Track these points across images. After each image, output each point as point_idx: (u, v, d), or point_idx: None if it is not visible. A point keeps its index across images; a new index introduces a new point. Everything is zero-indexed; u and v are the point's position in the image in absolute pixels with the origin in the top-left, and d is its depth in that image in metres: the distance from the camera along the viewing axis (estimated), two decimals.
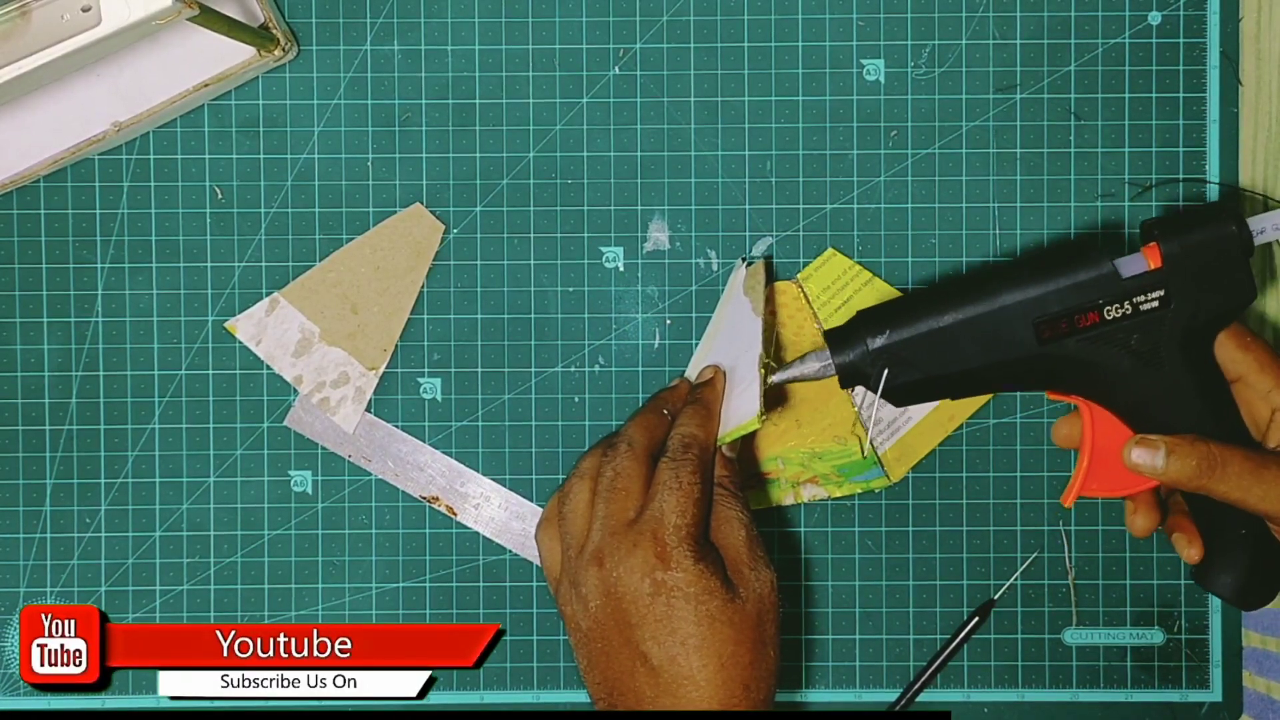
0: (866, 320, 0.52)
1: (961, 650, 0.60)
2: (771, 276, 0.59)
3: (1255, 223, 0.51)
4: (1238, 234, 0.50)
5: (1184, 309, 0.50)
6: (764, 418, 0.52)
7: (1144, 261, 0.50)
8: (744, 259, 0.59)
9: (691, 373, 0.58)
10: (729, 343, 0.57)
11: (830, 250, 0.59)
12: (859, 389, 0.55)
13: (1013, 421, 0.60)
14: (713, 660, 0.49)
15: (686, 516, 0.50)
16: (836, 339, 0.53)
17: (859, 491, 0.59)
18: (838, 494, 0.59)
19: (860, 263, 0.60)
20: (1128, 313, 0.50)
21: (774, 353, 0.59)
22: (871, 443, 0.58)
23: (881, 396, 0.52)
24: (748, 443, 0.59)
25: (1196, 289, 0.50)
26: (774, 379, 0.53)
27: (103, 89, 0.58)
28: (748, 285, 0.58)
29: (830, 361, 0.52)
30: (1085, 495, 0.53)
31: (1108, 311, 0.50)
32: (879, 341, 0.51)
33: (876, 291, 0.59)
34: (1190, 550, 0.53)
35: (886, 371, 0.51)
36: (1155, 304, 0.50)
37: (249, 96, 0.60)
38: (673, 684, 0.49)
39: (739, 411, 0.54)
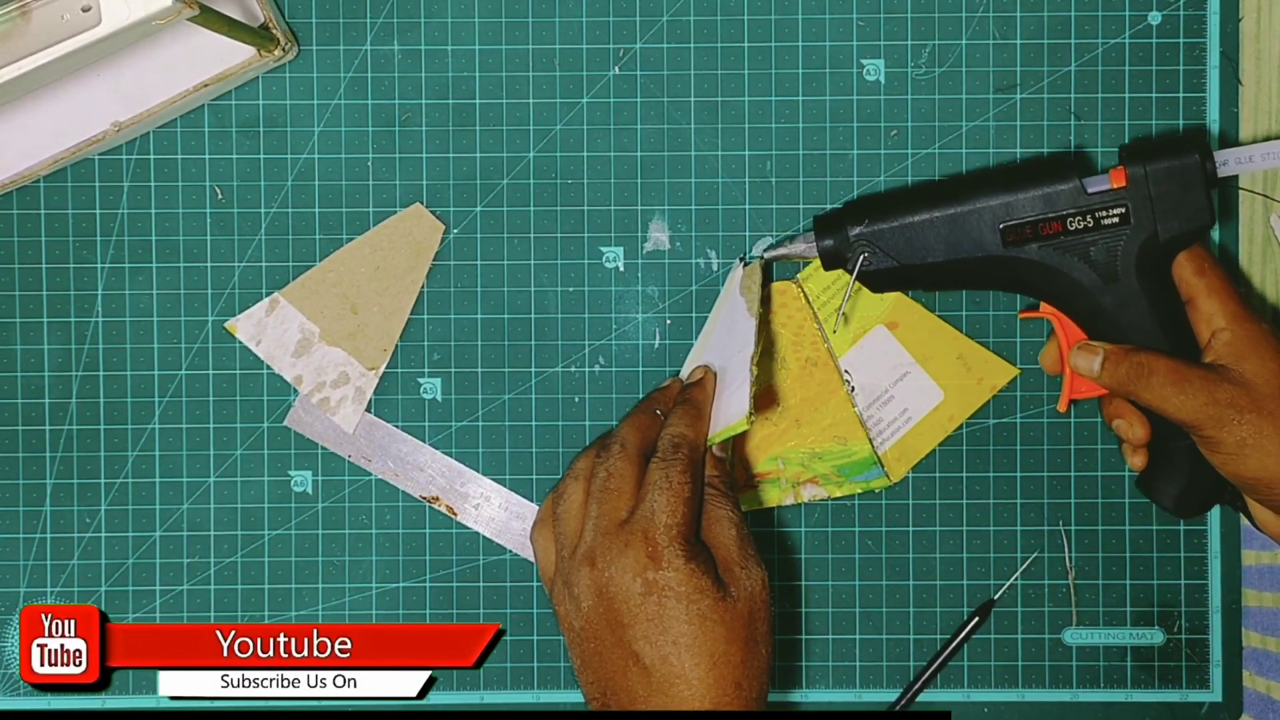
0: (851, 210, 0.56)
1: (961, 650, 0.60)
2: (769, 277, 0.59)
3: (1221, 155, 0.54)
4: (1200, 163, 0.53)
5: (1142, 227, 0.53)
6: (752, 418, 0.52)
7: (1109, 181, 0.53)
8: (742, 258, 0.59)
9: (686, 372, 0.58)
10: (723, 342, 0.57)
11: None
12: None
13: (1013, 421, 0.60)
14: (704, 659, 0.49)
15: (677, 516, 0.51)
16: (823, 225, 0.56)
17: (859, 491, 0.59)
18: (838, 494, 0.59)
19: None
20: (1089, 226, 0.54)
21: (766, 351, 0.59)
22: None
23: (858, 280, 0.56)
24: (745, 442, 0.59)
25: (1156, 210, 0.53)
26: (766, 254, 0.57)
27: (103, 89, 0.58)
28: (744, 285, 0.58)
29: (814, 244, 0.56)
30: (1075, 398, 0.56)
31: (1070, 222, 0.54)
32: (859, 230, 0.55)
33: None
34: (1134, 459, 0.57)
35: (863, 256, 0.55)
36: (1116, 220, 0.53)
37: (249, 96, 0.60)
38: (665, 683, 0.49)
39: (729, 411, 0.54)
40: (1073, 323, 0.56)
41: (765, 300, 0.58)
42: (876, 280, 0.56)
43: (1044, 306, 0.56)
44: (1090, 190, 0.53)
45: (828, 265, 0.56)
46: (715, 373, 0.56)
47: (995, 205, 0.54)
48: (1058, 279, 0.54)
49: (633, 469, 0.53)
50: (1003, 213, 0.54)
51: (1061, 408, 0.57)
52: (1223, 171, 0.54)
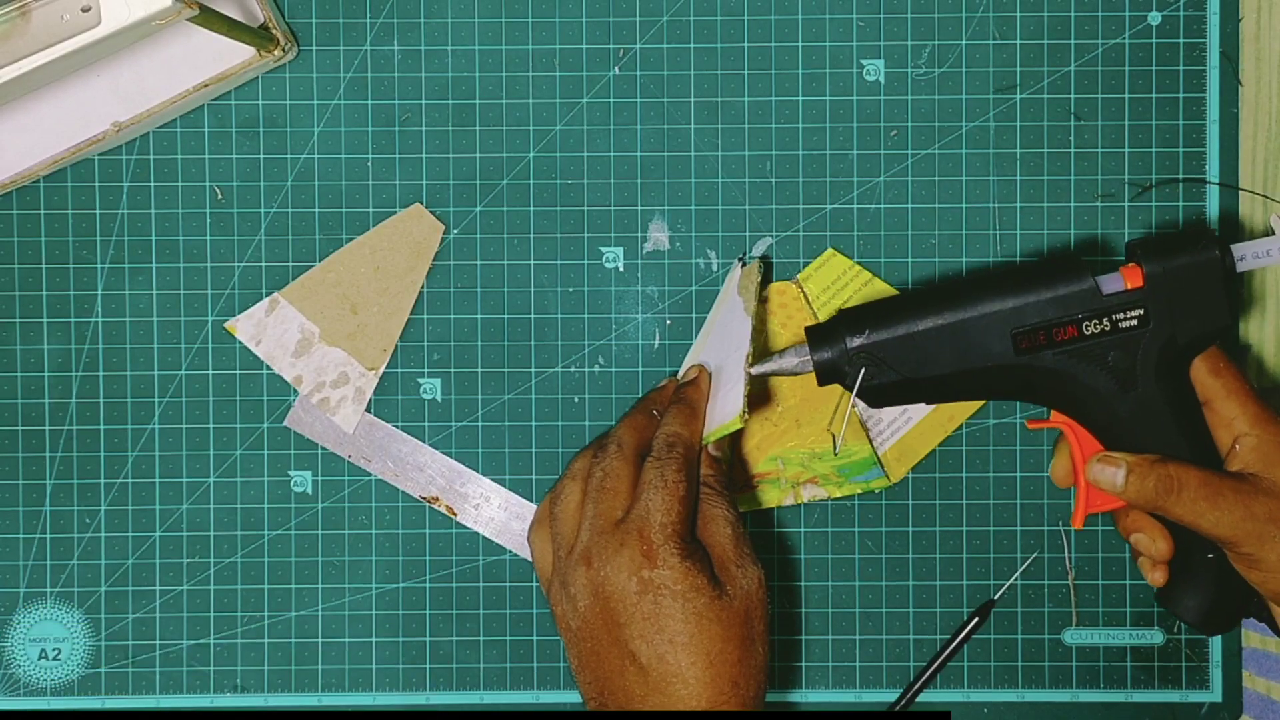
0: (847, 319, 0.52)
1: (961, 650, 0.60)
2: (768, 277, 0.59)
3: (1238, 249, 0.51)
4: (1219, 260, 0.50)
5: (1162, 330, 0.50)
6: (746, 417, 0.51)
7: (1124, 280, 0.51)
8: (740, 258, 0.59)
9: (684, 372, 0.58)
10: (720, 342, 0.57)
11: (830, 250, 0.59)
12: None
13: (1013, 421, 0.60)
14: (701, 658, 0.49)
15: (672, 514, 0.51)
16: (817, 336, 0.53)
17: (859, 492, 0.59)
18: (838, 494, 0.59)
19: (860, 263, 0.60)
20: (1106, 329, 0.50)
21: (763, 351, 0.59)
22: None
23: (857, 396, 0.52)
24: (744, 442, 0.59)
25: (1175, 311, 0.50)
26: (753, 370, 0.53)
27: (103, 89, 0.58)
28: (742, 285, 0.58)
29: (809, 358, 0.52)
30: (1092, 512, 0.54)
31: (1086, 326, 0.50)
32: (858, 341, 0.52)
33: (876, 291, 0.59)
34: (1154, 574, 0.54)
35: (863, 371, 0.51)
36: (1134, 323, 0.50)
37: (249, 96, 0.60)
38: (661, 682, 0.49)
39: (725, 411, 0.54)
40: (1087, 432, 0.53)
41: (764, 300, 0.58)
42: (878, 395, 0.52)
43: (1055, 415, 0.53)
44: (1106, 291, 0.50)
45: (823, 380, 0.53)
46: (710, 372, 0.56)
47: (1005, 310, 0.50)
48: (1073, 386, 0.51)
49: (629, 469, 0.53)
50: (1013, 318, 0.51)
51: (1077, 524, 0.54)
52: (1241, 267, 0.51)
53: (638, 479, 0.52)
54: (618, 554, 0.50)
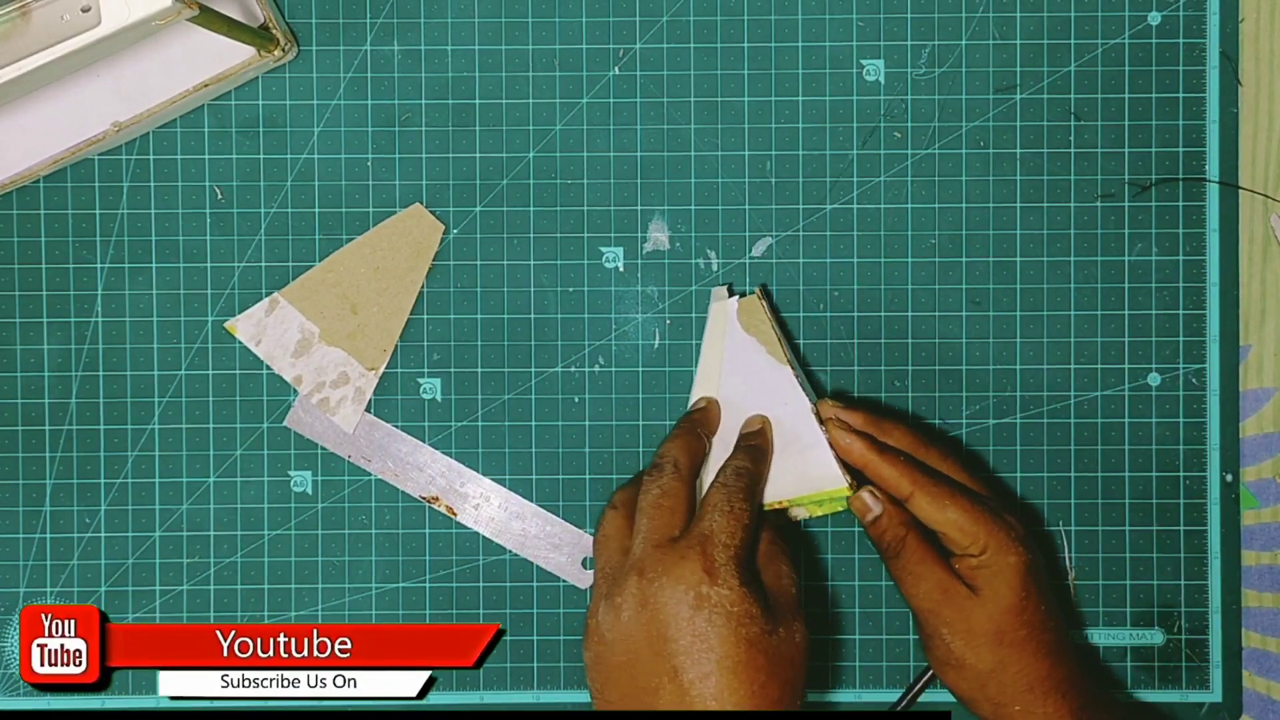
0: None
1: None
2: (774, 306, 0.59)
3: None
4: None
5: None
6: (853, 486, 0.55)
7: None
8: (729, 286, 0.59)
9: (693, 404, 0.58)
10: (746, 388, 0.57)
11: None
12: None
13: (1013, 422, 0.60)
14: (744, 686, 0.48)
15: (736, 539, 0.50)
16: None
17: (840, 509, 0.58)
18: (818, 513, 0.57)
19: (860, 263, 0.60)
20: None
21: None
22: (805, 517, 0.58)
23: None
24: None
25: None
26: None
27: (103, 89, 0.58)
28: (746, 322, 0.57)
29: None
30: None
31: None
32: None
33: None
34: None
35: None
36: None
37: (249, 96, 0.60)
38: (699, 702, 0.48)
39: (813, 475, 0.55)
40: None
41: (783, 339, 0.58)
42: None
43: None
44: None
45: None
46: (718, 401, 0.57)
47: None
48: None
49: (686, 490, 0.53)
50: None
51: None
52: None
53: (692, 500, 0.53)
54: (677, 566, 0.49)
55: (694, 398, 0.58)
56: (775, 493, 0.56)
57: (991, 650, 0.53)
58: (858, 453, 0.55)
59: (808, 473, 0.55)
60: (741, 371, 0.57)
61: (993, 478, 0.60)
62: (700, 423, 0.56)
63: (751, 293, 0.58)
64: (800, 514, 0.57)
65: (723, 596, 0.49)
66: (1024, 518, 0.59)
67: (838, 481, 0.55)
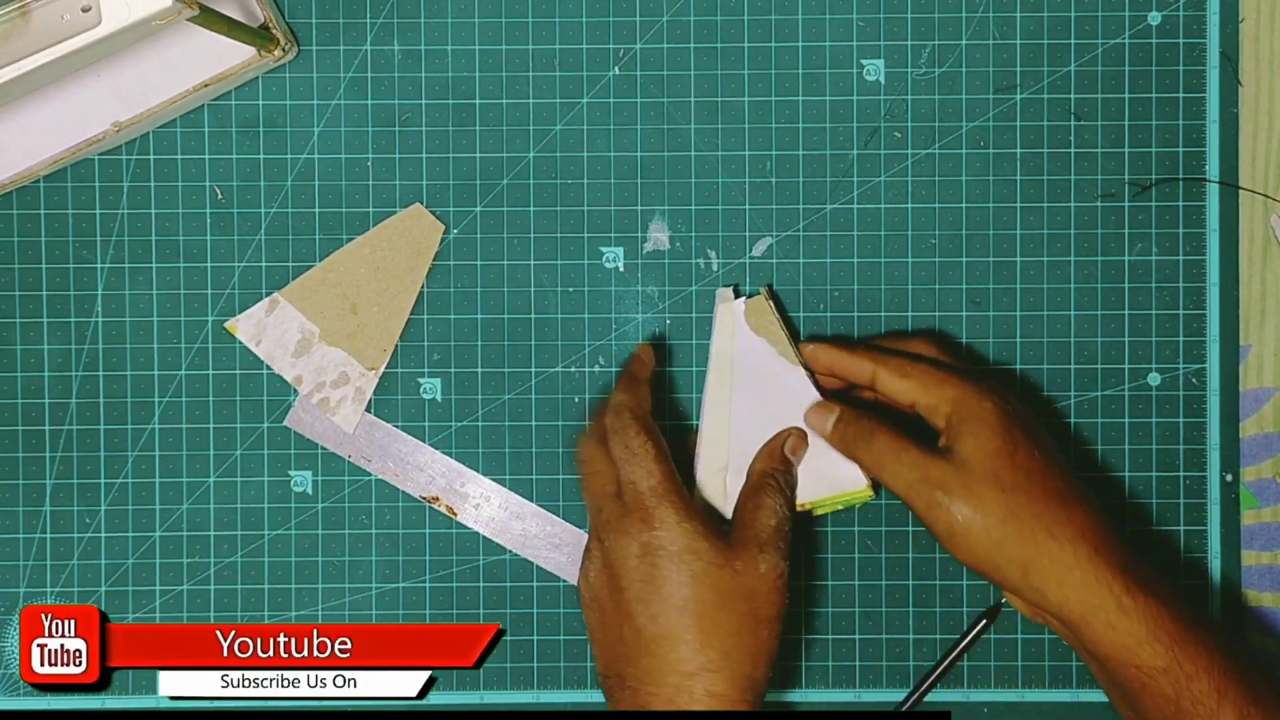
0: None
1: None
2: (780, 305, 0.59)
3: None
4: None
5: None
6: (874, 488, 0.55)
7: None
8: (735, 287, 0.59)
9: (708, 421, 0.57)
10: (760, 391, 0.56)
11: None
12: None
13: None
14: (692, 620, 0.50)
15: (654, 477, 0.51)
16: None
17: (840, 507, 0.58)
18: (819, 512, 0.58)
19: (860, 263, 0.60)
20: None
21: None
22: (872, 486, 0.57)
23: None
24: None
25: None
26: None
27: (103, 89, 0.58)
28: (755, 324, 0.57)
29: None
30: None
31: None
32: None
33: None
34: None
35: None
36: None
37: (249, 96, 0.60)
38: (652, 643, 0.50)
39: (831, 477, 0.55)
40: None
41: (795, 341, 0.57)
42: None
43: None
44: None
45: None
46: (651, 351, 0.59)
47: None
48: None
49: (600, 449, 0.54)
50: None
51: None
52: None
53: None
54: (619, 523, 0.51)
55: (707, 405, 0.57)
56: (798, 495, 0.56)
57: (994, 495, 0.50)
58: (824, 357, 0.56)
59: (829, 474, 0.56)
60: (754, 374, 0.57)
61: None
62: (639, 372, 0.57)
63: (757, 293, 0.58)
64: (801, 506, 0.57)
65: (662, 538, 0.50)
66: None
67: (859, 483, 0.55)
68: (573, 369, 0.60)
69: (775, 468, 0.55)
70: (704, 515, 0.52)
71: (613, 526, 0.52)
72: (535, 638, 0.61)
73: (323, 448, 0.60)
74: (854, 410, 0.54)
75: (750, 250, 0.60)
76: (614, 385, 0.56)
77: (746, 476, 0.55)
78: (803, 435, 0.56)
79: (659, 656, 0.50)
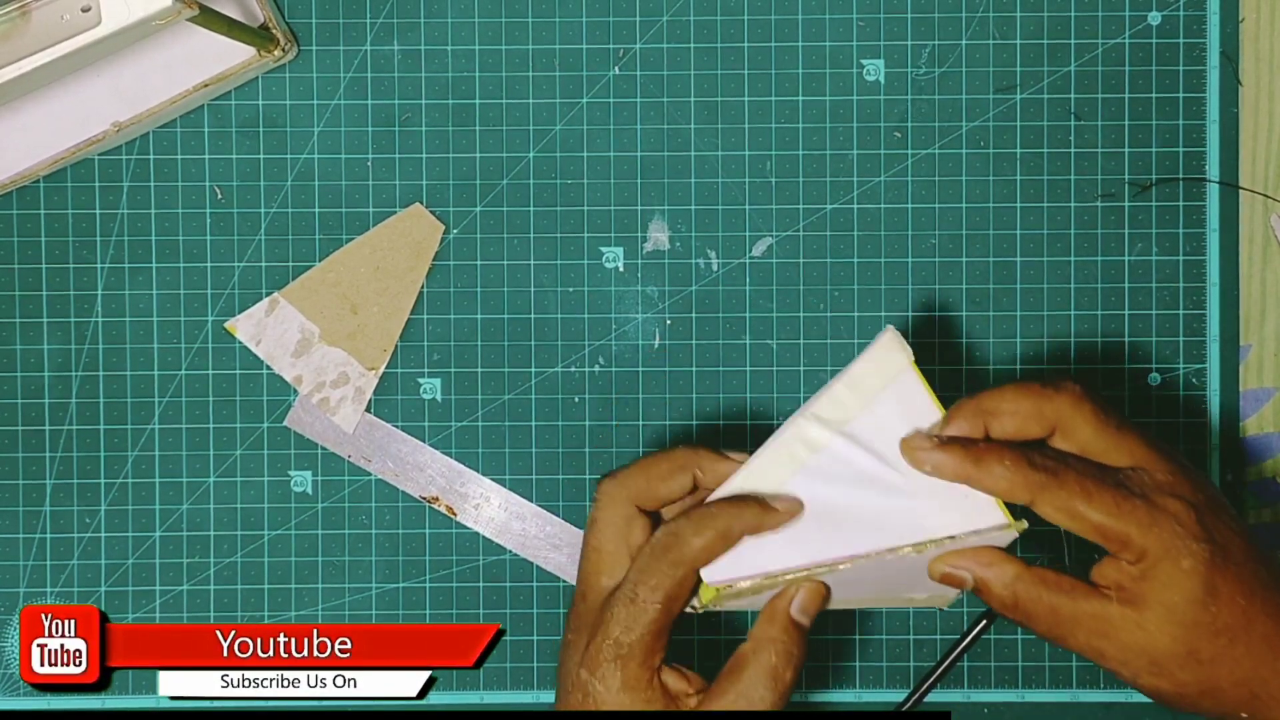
0: None
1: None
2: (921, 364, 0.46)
3: None
4: None
5: None
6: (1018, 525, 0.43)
7: None
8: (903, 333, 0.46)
9: (757, 467, 0.44)
10: (885, 453, 0.44)
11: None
12: None
13: None
14: None
15: (632, 634, 0.43)
16: None
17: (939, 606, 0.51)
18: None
19: (860, 263, 0.60)
20: None
21: None
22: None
23: None
24: None
25: None
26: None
27: (103, 89, 0.58)
28: (920, 380, 0.44)
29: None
30: None
31: None
32: None
33: None
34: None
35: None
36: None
37: (249, 96, 0.60)
38: None
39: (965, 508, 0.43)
40: None
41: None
42: None
43: None
44: None
45: None
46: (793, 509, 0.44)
47: None
48: None
49: (621, 519, 0.45)
50: None
51: None
52: None
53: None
54: (574, 630, 0.45)
55: (770, 450, 0.45)
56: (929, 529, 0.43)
57: (1189, 673, 0.42)
58: (951, 468, 0.42)
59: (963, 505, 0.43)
60: (889, 431, 0.44)
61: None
62: (734, 527, 0.43)
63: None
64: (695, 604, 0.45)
65: (597, 691, 0.43)
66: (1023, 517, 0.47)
67: (998, 519, 0.43)
68: (573, 369, 0.60)
69: (775, 636, 0.44)
70: (658, 693, 0.43)
71: (576, 629, 0.45)
72: (535, 638, 0.61)
73: (323, 448, 0.60)
74: (996, 577, 0.43)
75: (750, 250, 0.60)
76: (703, 508, 0.44)
77: (747, 640, 0.44)
78: (821, 591, 0.44)
79: None
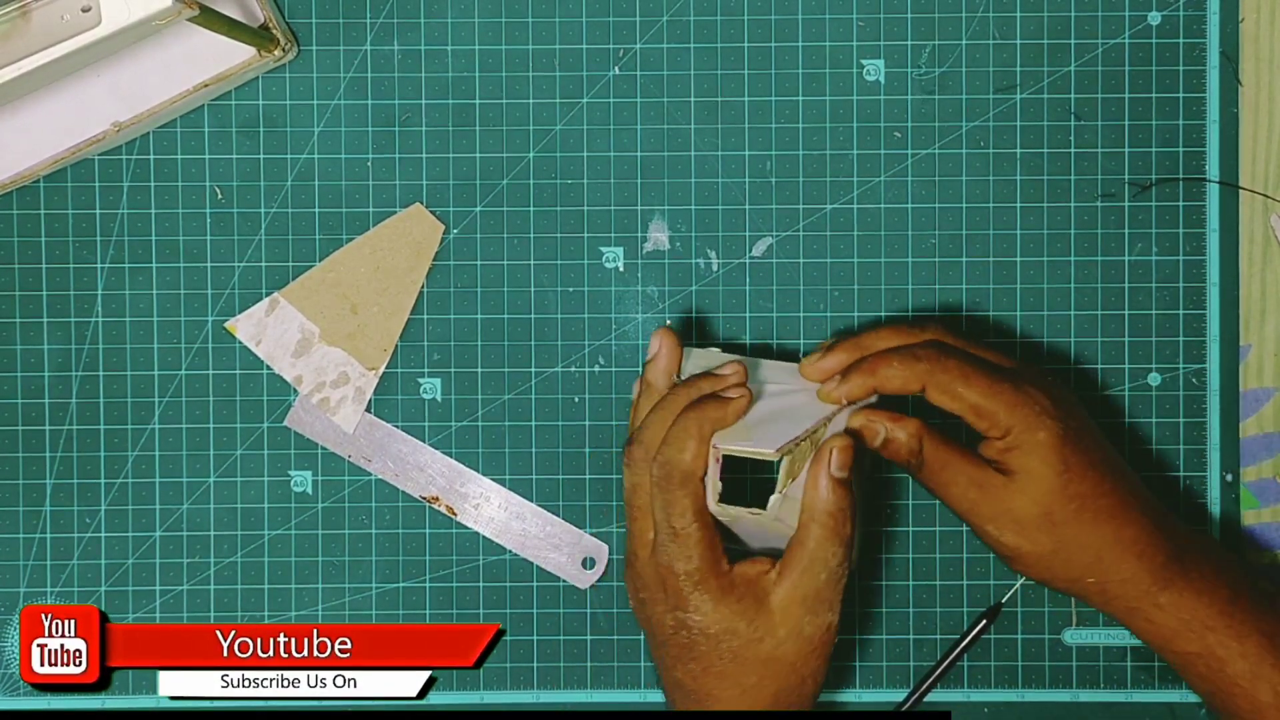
0: None
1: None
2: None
3: None
4: None
5: None
6: (777, 455, 0.48)
7: None
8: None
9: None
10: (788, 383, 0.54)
11: None
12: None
13: None
14: (733, 688, 0.49)
15: (693, 562, 0.49)
16: None
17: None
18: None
19: (860, 263, 0.60)
20: None
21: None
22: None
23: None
24: None
25: None
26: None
27: (103, 89, 0.58)
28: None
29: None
30: None
31: None
32: None
33: None
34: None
35: None
36: None
37: (249, 96, 0.60)
38: (691, 694, 0.50)
39: (765, 435, 0.49)
40: None
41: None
42: None
43: None
44: None
45: None
46: (746, 375, 0.52)
47: None
48: None
49: (645, 482, 0.50)
50: None
51: None
52: None
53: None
54: (652, 589, 0.50)
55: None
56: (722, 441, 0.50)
57: (1044, 533, 0.50)
58: (858, 388, 0.51)
59: (764, 433, 0.50)
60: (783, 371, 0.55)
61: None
62: (710, 419, 0.50)
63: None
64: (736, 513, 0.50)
65: (697, 621, 0.49)
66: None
67: (770, 448, 0.49)
68: (573, 369, 0.60)
69: (834, 508, 0.49)
70: (742, 588, 0.49)
71: (644, 584, 0.51)
72: (535, 638, 0.61)
73: (323, 448, 0.60)
74: (901, 430, 0.50)
75: (750, 250, 0.60)
76: (672, 426, 0.50)
77: (800, 511, 0.50)
78: (849, 446, 0.50)
79: (699, 703, 0.50)
